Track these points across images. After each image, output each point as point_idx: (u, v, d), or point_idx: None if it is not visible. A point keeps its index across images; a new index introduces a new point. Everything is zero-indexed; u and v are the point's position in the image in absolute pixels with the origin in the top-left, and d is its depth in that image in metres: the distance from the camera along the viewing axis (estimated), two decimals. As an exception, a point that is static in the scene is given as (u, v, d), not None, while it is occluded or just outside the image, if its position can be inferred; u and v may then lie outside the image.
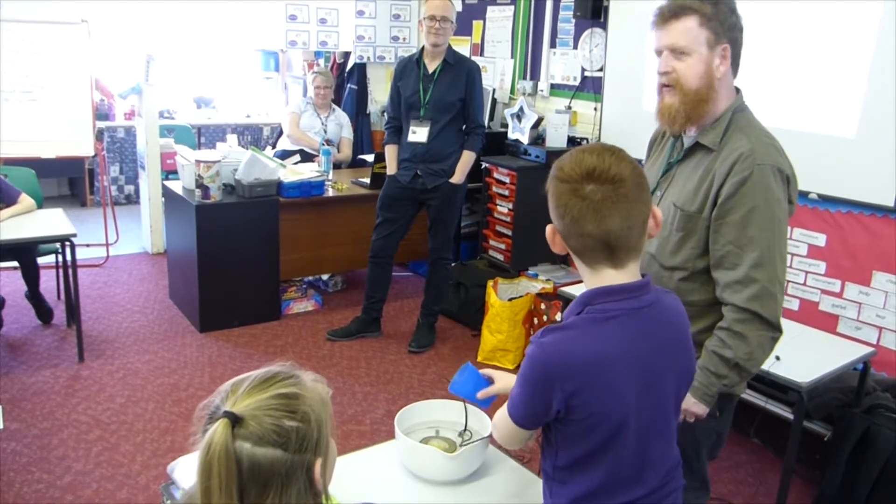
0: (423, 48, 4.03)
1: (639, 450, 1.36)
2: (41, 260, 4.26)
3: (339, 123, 5.61)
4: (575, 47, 4.83)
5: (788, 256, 3.59)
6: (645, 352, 1.33)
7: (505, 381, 1.71)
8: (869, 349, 2.92)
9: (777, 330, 1.78)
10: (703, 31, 1.76)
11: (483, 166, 4.81)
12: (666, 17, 1.80)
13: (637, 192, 1.29)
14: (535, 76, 5.16)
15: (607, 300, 1.32)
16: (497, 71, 5.46)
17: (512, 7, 5.27)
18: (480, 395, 1.69)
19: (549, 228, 1.36)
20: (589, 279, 1.36)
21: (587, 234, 1.28)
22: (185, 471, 1.56)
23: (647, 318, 1.34)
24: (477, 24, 5.62)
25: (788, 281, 3.60)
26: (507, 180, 4.65)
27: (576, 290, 2.92)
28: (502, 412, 1.45)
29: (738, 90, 1.91)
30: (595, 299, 1.33)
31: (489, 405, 1.72)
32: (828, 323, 3.40)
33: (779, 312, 1.77)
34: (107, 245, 5.54)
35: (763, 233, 1.73)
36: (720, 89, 1.82)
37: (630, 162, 1.31)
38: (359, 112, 6.29)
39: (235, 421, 1.00)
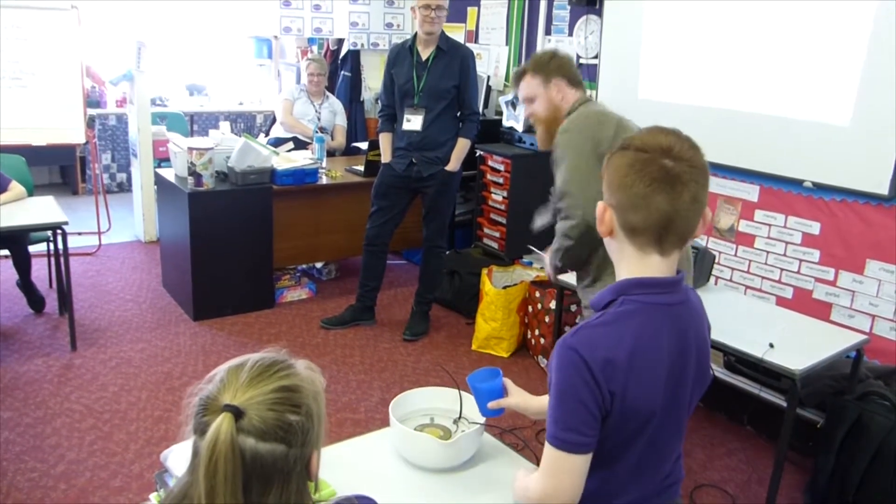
0: (415, 34, 4.00)
1: (655, 445, 1.33)
2: (32, 248, 4.24)
3: (333, 111, 5.58)
4: (570, 34, 4.81)
5: (782, 244, 3.61)
6: (674, 349, 1.30)
7: (519, 398, 1.70)
8: (862, 337, 2.92)
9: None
10: (535, 79, 2.54)
11: (477, 154, 4.79)
12: (516, 81, 2.62)
13: (705, 180, 1.28)
14: (529, 63, 5.13)
15: (643, 292, 1.29)
16: (492, 58, 5.43)
17: (506, -6, 5.24)
18: (491, 405, 1.69)
19: (600, 206, 1.32)
20: (630, 265, 1.32)
21: (655, 207, 1.24)
22: (179, 459, 1.55)
23: (678, 315, 1.32)
24: (471, 10, 5.59)
25: (782, 269, 3.61)
26: (502, 168, 4.64)
27: (569, 278, 2.92)
28: (547, 462, 1.28)
29: (589, 98, 2.60)
30: (631, 290, 1.30)
31: (496, 416, 1.72)
32: (821, 311, 3.41)
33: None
34: (99, 233, 5.51)
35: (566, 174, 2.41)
36: (563, 107, 2.53)
37: (701, 152, 1.29)
38: (353, 99, 6.27)
39: (238, 415, 0.97)
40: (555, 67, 2.54)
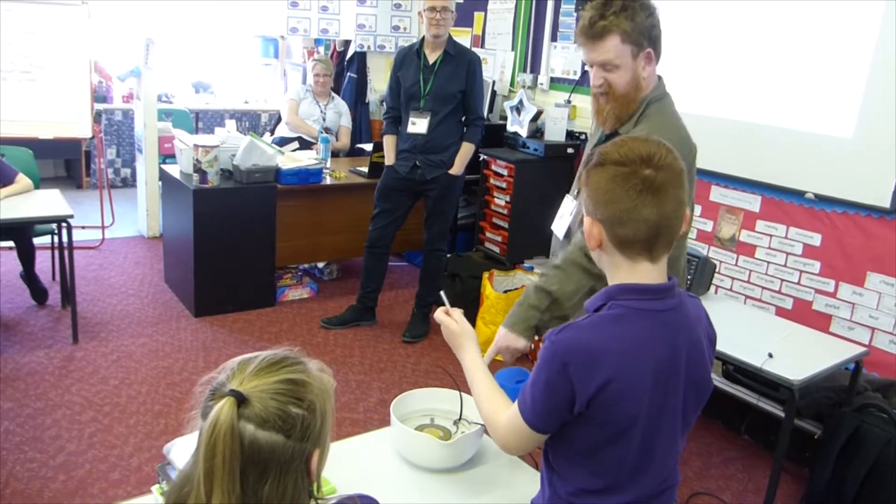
0: (423, 38, 4.02)
1: (643, 452, 1.34)
2: (36, 240, 4.25)
3: (338, 112, 5.60)
4: (575, 41, 4.82)
5: (783, 255, 3.62)
6: (661, 355, 1.31)
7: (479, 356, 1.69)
8: (861, 349, 2.94)
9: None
10: (626, 46, 1.91)
11: (481, 158, 4.81)
12: (590, 38, 1.93)
13: (684, 181, 1.31)
14: (535, 69, 5.16)
15: (632, 297, 1.31)
16: (497, 63, 5.45)
17: (514, -1, 5.26)
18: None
19: (587, 221, 1.34)
20: (620, 273, 1.34)
21: (643, 218, 1.26)
22: (182, 452, 1.56)
23: (668, 322, 1.33)
24: (478, 15, 5.61)
25: (782, 280, 3.62)
26: (505, 173, 4.66)
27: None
28: (510, 417, 1.40)
29: (659, 77, 2.04)
30: (620, 295, 1.32)
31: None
32: (821, 322, 3.42)
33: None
34: (102, 227, 5.53)
35: None
36: (644, 85, 1.98)
37: (676, 154, 1.32)
38: (358, 101, 6.28)
39: (241, 400, 0.99)
40: (649, 29, 1.93)
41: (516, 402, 1.39)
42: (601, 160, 1.31)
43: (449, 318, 1.68)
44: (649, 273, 1.32)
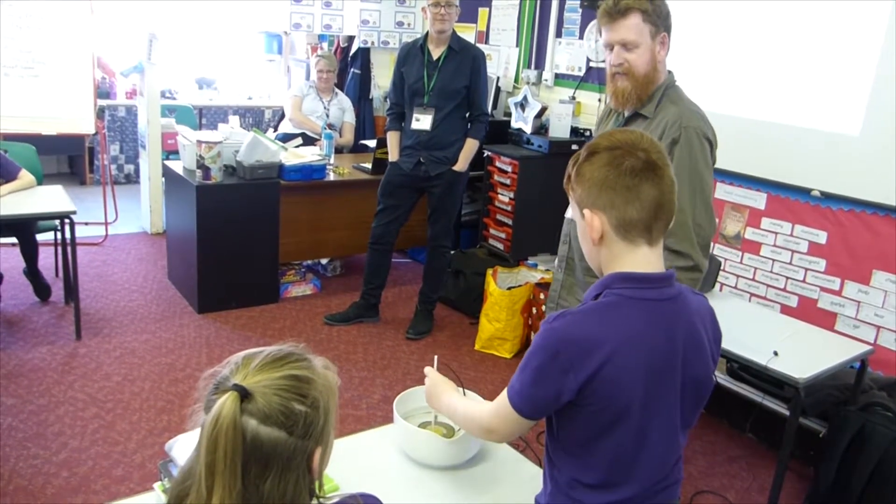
0: (427, 34, 4.01)
1: (637, 445, 1.34)
2: (40, 237, 4.25)
3: (342, 108, 5.59)
4: (581, 37, 4.81)
5: (789, 253, 3.60)
6: (656, 344, 1.31)
7: (443, 388, 1.74)
8: (867, 347, 2.92)
9: (696, 266, 2.04)
10: (646, 26, 2.08)
11: (485, 154, 4.80)
12: (613, 16, 2.09)
13: (670, 163, 1.35)
14: (539, 65, 5.14)
15: (627, 286, 1.32)
16: (501, 59, 5.43)
17: (518, -5, 5.24)
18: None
19: (587, 214, 1.34)
20: (619, 263, 1.34)
21: (646, 195, 1.29)
22: (184, 448, 1.55)
23: (663, 312, 1.33)
24: (482, 11, 5.59)
25: (787, 277, 3.61)
26: (509, 169, 4.64)
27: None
28: (497, 402, 1.41)
29: (669, 72, 2.21)
30: (615, 283, 1.32)
31: None
32: (826, 320, 3.40)
33: (695, 249, 2.04)
34: (105, 224, 5.52)
35: (686, 184, 2.00)
36: (660, 70, 2.14)
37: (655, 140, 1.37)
38: (361, 97, 6.27)
39: (244, 395, 0.99)
40: (666, 16, 2.11)
41: (506, 387, 1.40)
42: (591, 151, 1.35)
43: (435, 371, 1.76)
44: (647, 258, 1.33)
